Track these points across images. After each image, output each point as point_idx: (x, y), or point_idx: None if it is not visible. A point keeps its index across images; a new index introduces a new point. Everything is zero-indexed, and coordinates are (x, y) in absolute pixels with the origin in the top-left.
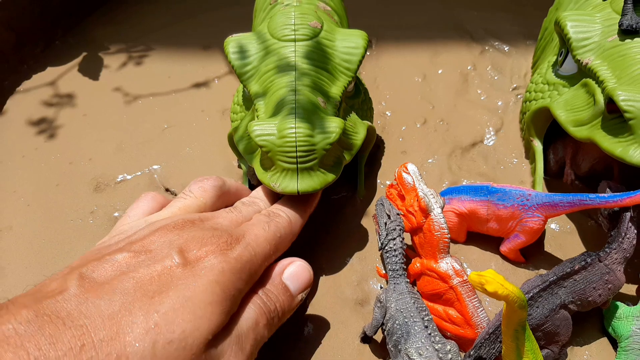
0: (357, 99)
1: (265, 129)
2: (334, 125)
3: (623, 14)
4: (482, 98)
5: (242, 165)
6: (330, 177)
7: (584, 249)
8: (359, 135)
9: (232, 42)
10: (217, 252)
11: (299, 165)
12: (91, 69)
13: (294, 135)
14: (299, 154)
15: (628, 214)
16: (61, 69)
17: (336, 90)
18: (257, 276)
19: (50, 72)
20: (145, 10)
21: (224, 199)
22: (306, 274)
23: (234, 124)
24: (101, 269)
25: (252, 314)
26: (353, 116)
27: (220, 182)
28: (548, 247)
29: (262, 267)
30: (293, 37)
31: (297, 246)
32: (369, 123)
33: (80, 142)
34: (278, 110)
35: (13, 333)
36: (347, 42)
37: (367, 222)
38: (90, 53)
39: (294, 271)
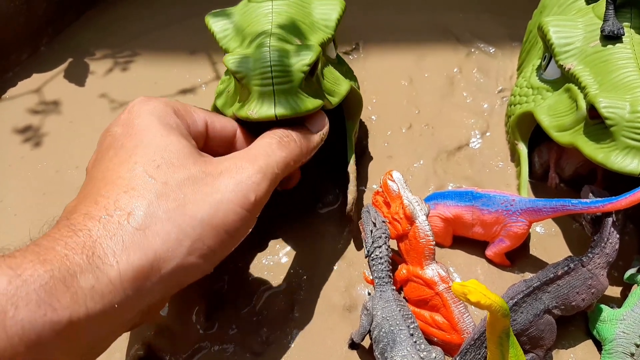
0: (340, 67)
1: (239, 57)
2: (309, 49)
3: (605, 20)
4: (467, 101)
5: None
6: (311, 103)
7: (569, 252)
8: (342, 87)
9: (212, 13)
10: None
11: (275, 87)
12: (77, 75)
13: (267, 54)
14: (274, 74)
15: (610, 219)
16: (47, 76)
17: (315, 39)
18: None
19: (36, 79)
20: (131, 15)
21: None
22: (323, 117)
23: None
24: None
25: (262, 140)
26: (335, 71)
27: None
28: (533, 251)
29: None
30: None
31: (284, 252)
32: (354, 83)
33: (67, 150)
34: (253, 43)
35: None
36: (324, 4)
37: (354, 228)
38: (75, 59)
39: (314, 116)
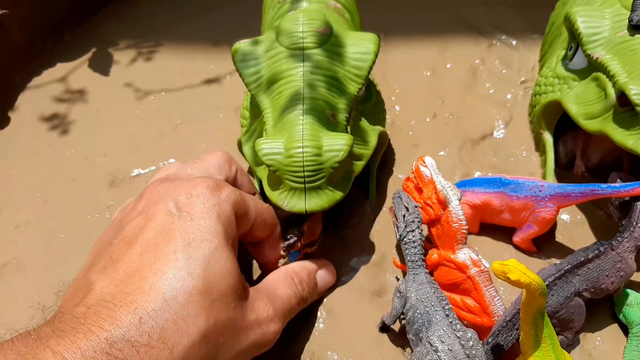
0: (368, 103)
1: (272, 147)
2: (342, 142)
3: (633, 10)
4: (490, 92)
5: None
6: (338, 195)
7: (594, 239)
8: (370, 144)
9: (239, 50)
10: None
11: (306, 185)
12: (101, 65)
13: (301, 154)
14: (306, 173)
15: (639, 203)
16: (71, 65)
17: (346, 99)
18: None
19: (60, 68)
20: (153, 7)
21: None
22: (332, 278)
23: (243, 129)
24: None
25: (286, 291)
26: (364, 124)
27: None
28: (559, 238)
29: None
30: (301, 45)
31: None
32: (381, 128)
33: (94, 138)
34: (285, 125)
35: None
36: (358, 47)
37: (382, 215)
38: (99, 49)
39: (325, 273)
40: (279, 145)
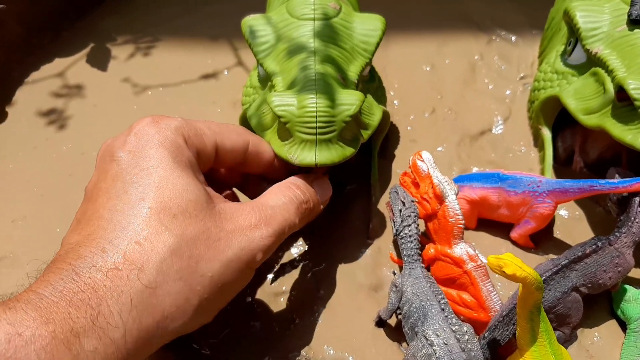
0: (372, 84)
1: (284, 99)
2: (354, 98)
3: (632, 4)
4: (489, 87)
5: None
6: (348, 151)
7: (592, 235)
8: (375, 117)
9: (249, 21)
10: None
11: (318, 137)
12: (99, 60)
13: (314, 105)
14: (318, 124)
15: (637, 199)
16: (69, 60)
17: (354, 69)
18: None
19: (58, 63)
20: (150, 2)
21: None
22: (330, 188)
23: (245, 106)
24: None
25: (283, 199)
26: (369, 98)
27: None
28: (557, 233)
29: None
30: (312, 16)
31: (312, 236)
32: (384, 107)
33: (92, 133)
34: (297, 84)
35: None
36: (366, 25)
37: (378, 210)
38: (97, 44)
39: (322, 183)
40: (292, 98)
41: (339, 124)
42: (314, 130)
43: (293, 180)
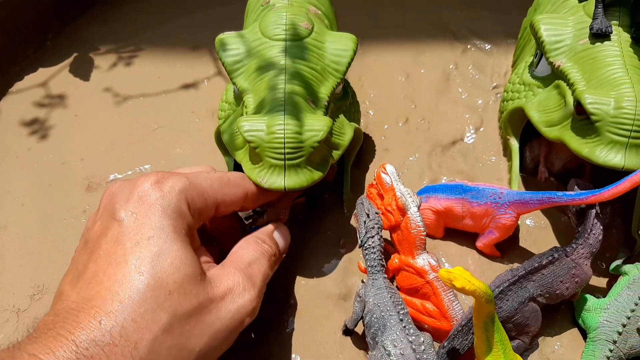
0: (345, 101)
1: (253, 124)
2: (321, 123)
3: (594, 18)
4: (463, 97)
5: (227, 162)
6: (316, 175)
7: (557, 244)
8: (346, 136)
9: (223, 39)
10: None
11: (286, 162)
12: (82, 70)
13: (282, 131)
14: (286, 150)
15: (593, 211)
16: (52, 70)
17: (325, 90)
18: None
19: (42, 73)
20: (135, 11)
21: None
22: (288, 237)
23: (221, 120)
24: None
25: (255, 254)
26: (341, 117)
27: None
28: (523, 242)
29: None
30: (284, 36)
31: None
32: (356, 125)
33: (72, 143)
34: (267, 107)
35: None
36: (337, 45)
37: (350, 220)
38: (81, 54)
39: (281, 232)
40: (261, 123)
41: (307, 150)
42: (282, 156)
43: (258, 235)
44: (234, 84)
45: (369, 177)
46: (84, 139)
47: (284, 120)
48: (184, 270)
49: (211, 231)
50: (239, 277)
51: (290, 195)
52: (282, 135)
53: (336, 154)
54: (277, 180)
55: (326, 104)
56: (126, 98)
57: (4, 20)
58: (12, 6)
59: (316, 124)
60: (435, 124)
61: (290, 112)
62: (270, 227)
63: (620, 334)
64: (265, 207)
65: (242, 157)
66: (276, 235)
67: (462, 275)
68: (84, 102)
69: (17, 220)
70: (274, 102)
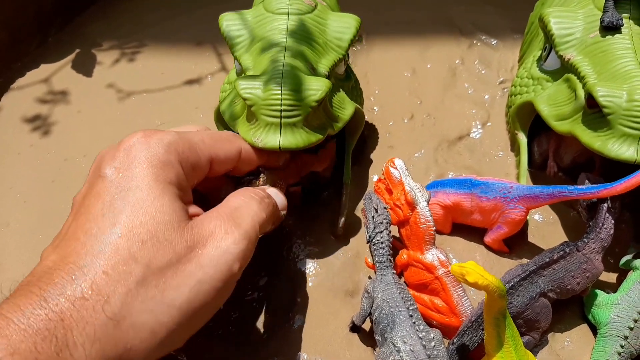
0: (347, 83)
1: (250, 83)
2: (320, 84)
3: (604, 11)
4: (469, 92)
5: None
6: (314, 137)
7: (566, 239)
8: (347, 111)
9: (226, 16)
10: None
11: (282, 120)
12: (84, 66)
13: (279, 88)
14: (283, 107)
15: (605, 205)
16: (55, 66)
17: (326, 62)
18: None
19: (44, 69)
20: (137, 7)
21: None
22: (285, 200)
23: (222, 96)
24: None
25: (244, 199)
26: (341, 93)
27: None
28: (531, 238)
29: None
30: (287, 10)
31: (291, 241)
32: (357, 105)
33: (75, 139)
34: (266, 70)
35: None
36: (340, 22)
37: (357, 215)
38: (83, 50)
39: (273, 190)
40: (258, 82)
41: (305, 109)
42: (278, 114)
43: (251, 188)
44: (235, 58)
45: (373, 174)
46: (86, 135)
47: (282, 77)
48: (159, 218)
49: (203, 190)
50: (220, 220)
51: (289, 169)
52: (279, 92)
53: (336, 126)
54: (272, 139)
55: (327, 73)
56: (129, 94)
57: (5, 16)
58: (13, 3)
59: (314, 84)
60: (442, 119)
61: (288, 72)
62: (264, 186)
63: (631, 329)
64: (261, 169)
65: (240, 124)
66: (271, 190)
67: (475, 270)
68: (87, 98)
69: (20, 217)
70: (272, 64)
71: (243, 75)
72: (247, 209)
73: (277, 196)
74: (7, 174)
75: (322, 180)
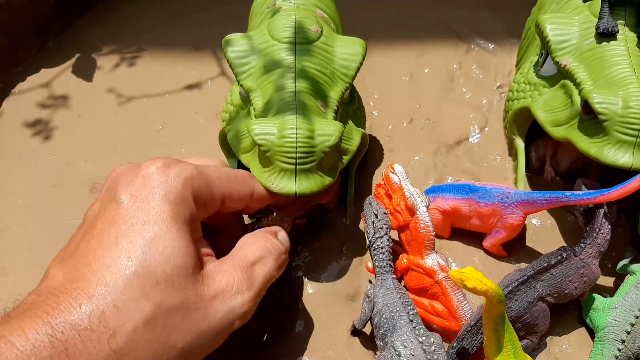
0: (352, 106)
1: (265, 128)
2: (333, 128)
3: (600, 17)
4: (467, 96)
5: (231, 165)
6: (327, 180)
7: (564, 243)
8: (354, 142)
9: (230, 41)
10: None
11: (297, 167)
12: (85, 70)
13: (294, 135)
14: (298, 154)
15: (601, 211)
16: (55, 71)
17: (334, 94)
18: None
19: (45, 74)
20: (137, 11)
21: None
22: (288, 240)
23: (225, 122)
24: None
25: (262, 252)
26: (349, 124)
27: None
28: (529, 242)
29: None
30: (293, 39)
31: (292, 246)
32: (363, 130)
33: (76, 143)
34: (277, 110)
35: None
36: (346, 49)
37: (358, 220)
38: (83, 54)
39: (283, 235)
40: (272, 127)
41: (319, 155)
42: (293, 160)
43: (267, 230)
44: (240, 85)
45: (373, 178)
46: (87, 140)
47: (296, 124)
48: (175, 261)
49: (211, 224)
50: (235, 276)
51: (296, 204)
52: (294, 140)
53: (345, 159)
54: (287, 184)
55: (336, 108)
56: (130, 99)
57: (5, 21)
58: (13, 7)
59: (328, 129)
60: (440, 124)
61: (301, 116)
62: (275, 227)
63: (628, 333)
64: (271, 207)
65: (249, 159)
66: (282, 236)
67: (474, 275)
68: (87, 102)
69: (21, 221)
70: (283, 103)
71: (250, 102)
72: (262, 267)
73: (286, 241)
74: (9, 179)
75: (326, 211)
